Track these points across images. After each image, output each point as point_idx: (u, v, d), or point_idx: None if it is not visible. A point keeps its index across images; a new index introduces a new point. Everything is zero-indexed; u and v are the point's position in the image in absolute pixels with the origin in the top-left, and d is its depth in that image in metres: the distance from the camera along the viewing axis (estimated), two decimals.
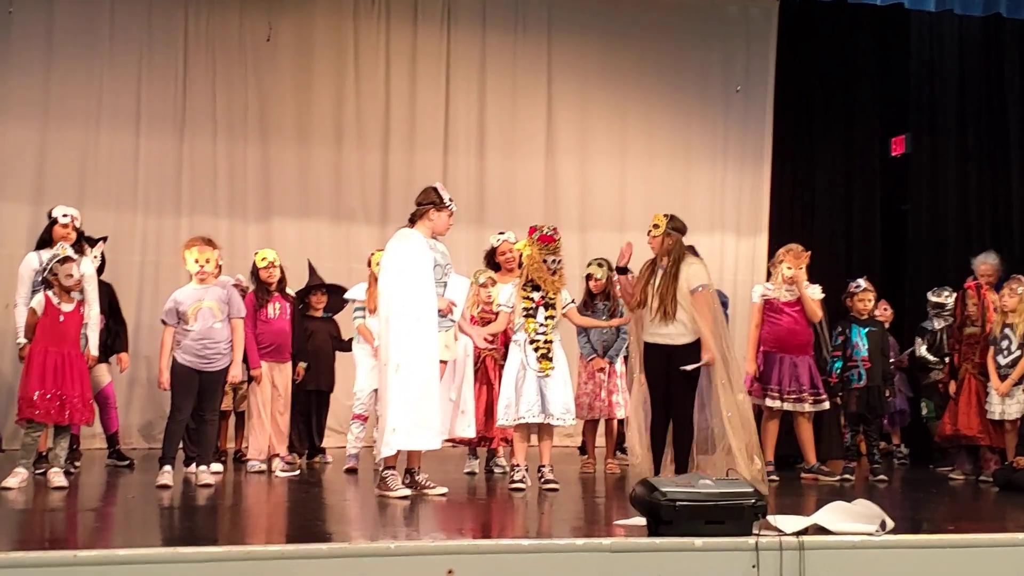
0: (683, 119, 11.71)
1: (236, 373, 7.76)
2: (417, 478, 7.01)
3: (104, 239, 8.75)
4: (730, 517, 5.27)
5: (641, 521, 5.49)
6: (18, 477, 7.14)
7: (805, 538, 5.25)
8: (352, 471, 8.31)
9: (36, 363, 7.21)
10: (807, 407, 8.30)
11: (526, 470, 7.33)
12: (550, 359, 7.37)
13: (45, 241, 7.97)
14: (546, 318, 7.40)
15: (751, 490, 5.39)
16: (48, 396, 7.17)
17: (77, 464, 8.29)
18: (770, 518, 5.43)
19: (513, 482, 7.26)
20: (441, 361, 6.95)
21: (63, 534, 5.96)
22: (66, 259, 7.34)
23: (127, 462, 8.60)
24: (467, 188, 11.33)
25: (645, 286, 7.34)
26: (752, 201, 11.79)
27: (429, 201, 7.01)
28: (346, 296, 8.82)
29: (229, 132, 10.84)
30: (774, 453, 8.34)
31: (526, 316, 7.41)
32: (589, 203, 11.53)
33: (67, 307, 7.34)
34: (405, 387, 6.72)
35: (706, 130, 11.74)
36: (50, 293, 7.33)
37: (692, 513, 5.21)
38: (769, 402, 8.27)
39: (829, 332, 8.80)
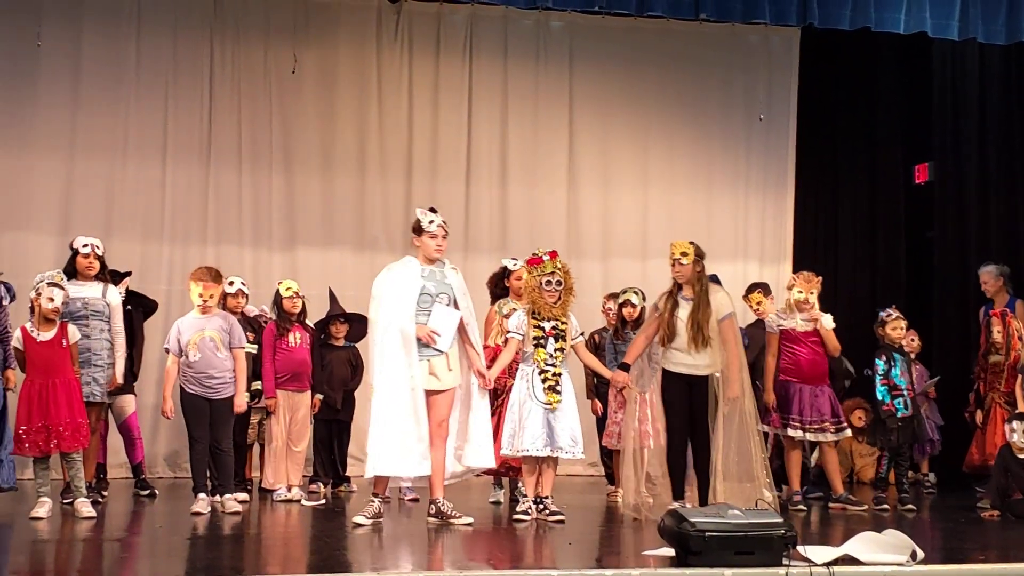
0: (705, 147, 11.71)
1: (240, 403, 7.82)
2: (442, 508, 6.99)
3: (129, 274, 8.81)
4: (760, 547, 5.26)
5: (670, 552, 5.47)
6: (44, 507, 7.18)
7: (836, 568, 5.23)
8: (414, 500, 8.27)
9: (23, 396, 7.32)
10: (829, 436, 8.27)
11: (534, 502, 7.28)
12: (558, 392, 7.28)
13: (70, 272, 8.02)
14: (556, 350, 7.33)
15: (781, 520, 5.37)
16: (34, 429, 7.24)
17: (104, 494, 8.31)
18: (800, 548, 5.40)
19: (515, 513, 7.25)
20: (434, 391, 6.90)
21: (92, 564, 5.97)
22: (53, 284, 7.41)
23: (148, 491, 8.61)
24: (489, 217, 11.37)
25: (671, 318, 7.34)
26: (775, 229, 11.77)
27: (412, 228, 7.13)
28: None
29: (254, 162, 10.91)
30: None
31: (536, 346, 7.34)
32: (611, 231, 11.53)
33: (45, 335, 7.39)
34: (378, 414, 6.82)
35: (728, 158, 11.73)
36: (27, 325, 7.41)
37: (722, 543, 5.20)
38: (791, 432, 8.22)
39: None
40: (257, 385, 8.57)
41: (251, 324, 8.79)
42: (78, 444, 7.37)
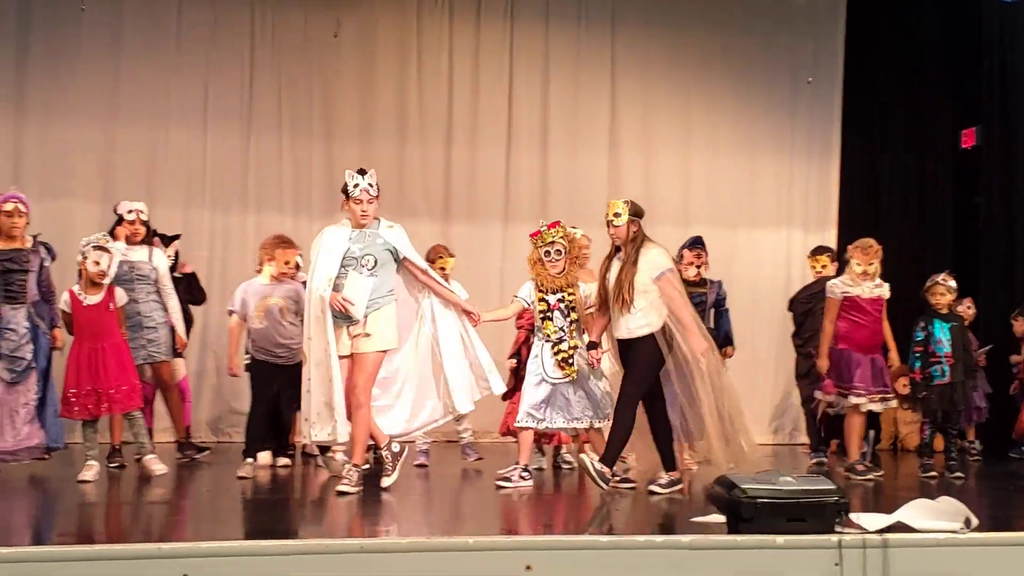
0: (749, 111, 11.57)
1: None
2: (350, 474, 6.81)
3: (177, 237, 8.85)
4: (812, 514, 5.18)
5: (720, 519, 5.42)
6: (92, 470, 7.24)
7: (889, 535, 5.15)
8: (422, 466, 8.30)
9: (72, 360, 7.41)
10: (891, 403, 8.21)
11: (525, 469, 7.16)
12: (571, 364, 7.16)
13: (114, 237, 8.10)
14: (571, 322, 7.20)
15: (834, 487, 5.30)
16: (83, 392, 7.32)
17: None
18: (852, 516, 5.33)
19: (501, 479, 7.14)
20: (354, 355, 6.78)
21: (141, 526, 6.00)
22: (99, 247, 7.43)
23: (202, 451, 8.63)
24: (529, 183, 11.31)
25: (603, 280, 7.00)
26: (820, 195, 11.63)
27: (342, 191, 6.96)
28: None
29: (294, 129, 10.90)
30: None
31: (543, 319, 7.23)
32: (653, 198, 11.33)
33: (93, 299, 7.46)
34: (305, 382, 6.82)
35: (772, 122, 11.59)
36: (75, 288, 7.47)
37: (773, 510, 5.12)
38: (855, 400, 8.11)
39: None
40: None
41: None
42: (133, 404, 7.46)
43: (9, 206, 7.54)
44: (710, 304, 8.56)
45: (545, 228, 7.27)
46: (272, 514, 6.36)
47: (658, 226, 11.14)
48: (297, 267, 8.07)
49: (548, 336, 7.20)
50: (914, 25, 11.58)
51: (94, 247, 7.45)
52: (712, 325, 8.50)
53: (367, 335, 6.74)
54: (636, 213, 6.99)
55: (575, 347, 7.19)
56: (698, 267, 8.60)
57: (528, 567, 4.85)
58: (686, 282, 8.20)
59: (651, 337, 6.78)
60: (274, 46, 10.83)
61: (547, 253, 7.21)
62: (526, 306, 7.40)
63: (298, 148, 10.92)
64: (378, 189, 6.87)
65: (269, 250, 7.94)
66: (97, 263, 7.41)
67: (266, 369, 7.70)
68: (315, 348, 6.75)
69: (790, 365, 9.88)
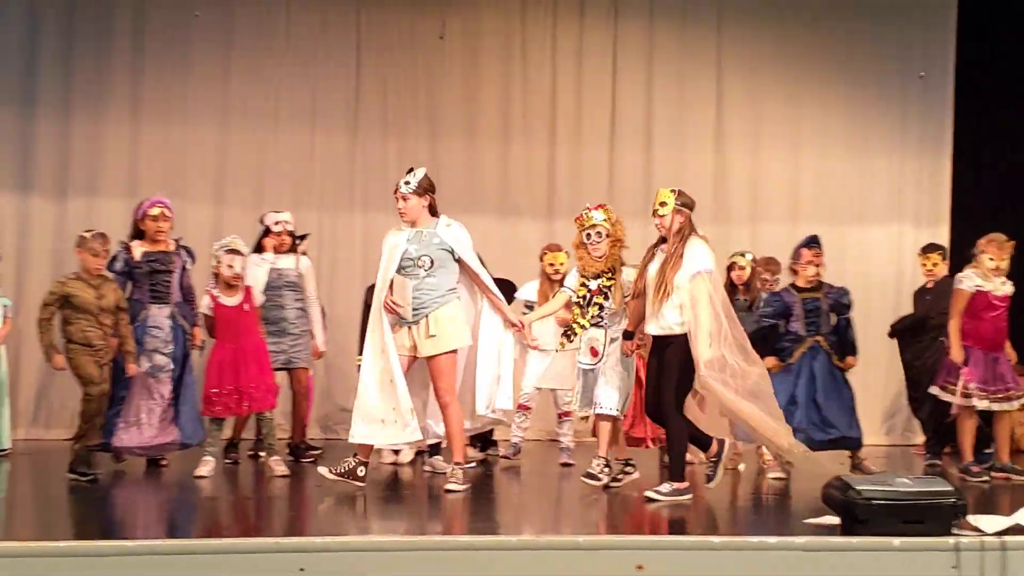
0: (859, 106, 11.34)
1: None
2: (450, 473, 6.83)
3: (307, 236, 9.08)
4: (929, 516, 5.12)
5: (834, 520, 5.35)
6: (208, 466, 7.41)
7: (1007, 538, 5.05)
8: (566, 465, 8.28)
9: (213, 360, 7.58)
10: (1014, 404, 7.99)
11: (606, 463, 7.05)
12: (595, 351, 7.06)
13: (261, 247, 8.41)
14: (601, 308, 7.07)
15: (951, 489, 5.21)
16: (225, 392, 7.48)
17: (261, 454, 8.50)
18: (969, 518, 5.23)
19: (587, 474, 7.02)
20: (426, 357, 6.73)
21: (253, 521, 6.12)
22: (232, 250, 7.59)
23: (317, 451, 8.74)
24: (633, 182, 11.24)
25: (643, 271, 6.70)
26: (932, 191, 11.36)
27: None
28: (517, 296, 8.83)
29: (400, 129, 11.00)
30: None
31: (582, 305, 7.11)
32: (760, 195, 11.30)
33: (231, 301, 7.63)
34: (360, 382, 6.82)
35: (883, 118, 11.35)
36: (215, 291, 7.64)
37: (889, 512, 5.07)
38: (976, 401, 7.91)
39: None
40: None
41: None
42: (268, 404, 7.63)
43: (155, 210, 7.81)
44: (825, 310, 8.17)
45: (587, 211, 7.16)
46: (384, 510, 6.43)
47: (765, 224, 11.16)
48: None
49: (583, 324, 7.10)
50: None
51: (226, 251, 7.64)
52: (825, 330, 8.13)
53: (431, 336, 6.72)
54: (685, 204, 6.65)
55: (578, 334, 7.08)
56: (817, 266, 8.26)
57: (639, 567, 4.85)
58: (800, 288, 8.13)
59: (685, 337, 6.44)
60: (380, 47, 10.94)
61: (588, 236, 7.07)
62: (571, 295, 7.24)
63: (404, 148, 11.00)
64: (420, 187, 6.86)
65: None
66: (231, 266, 7.60)
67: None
68: (368, 349, 6.81)
69: (900, 364, 9.70)
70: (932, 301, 8.95)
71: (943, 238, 10.82)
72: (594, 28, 11.21)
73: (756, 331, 7.80)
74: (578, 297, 7.14)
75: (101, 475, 7.29)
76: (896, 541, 5.00)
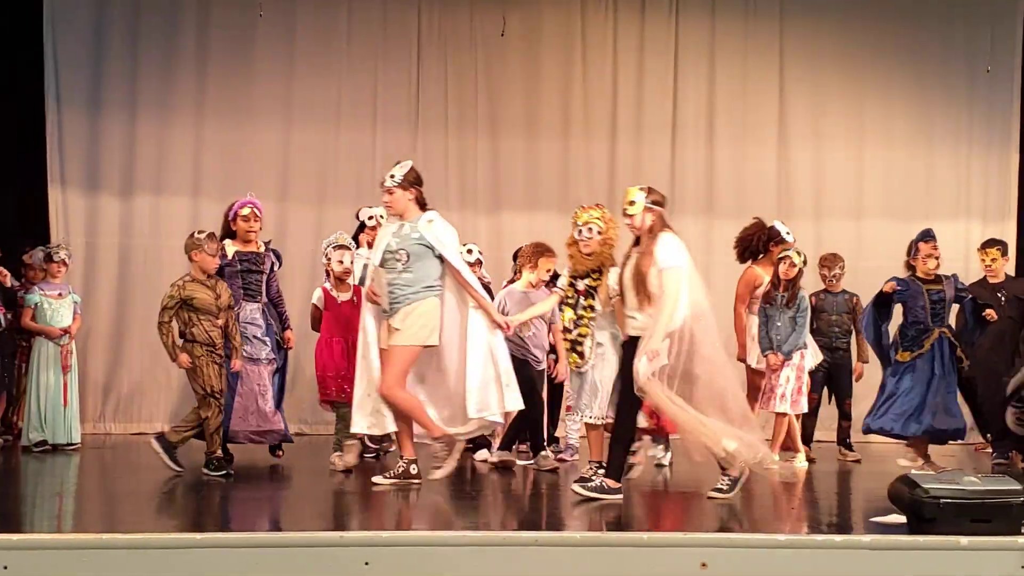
0: (924, 102, 11.22)
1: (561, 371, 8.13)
2: (397, 469, 6.90)
3: None
4: (997, 515, 5.05)
5: (900, 519, 5.30)
6: (353, 452, 7.64)
7: None
8: (562, 461, 8.24)
9: (321, 350, 7.78)
10: None
11: (599, 465, 6.80)
12: (580, 353, 6.94)
13: (357, 243, 8.51)
14: (585, 307, 6.97)
15: (1021, 488, 5.13)
16: (340, 375, 7.63)
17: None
18: None
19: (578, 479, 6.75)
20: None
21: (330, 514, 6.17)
22: (340, 246, 7.72)
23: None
24: (695, 178, 11.21)
25: (621, 271, 6.58)
26: (999, 186, 11.19)
27: None
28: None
29: (460, 126, 11.04)
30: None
31: (567, 305, 7.03)
32: (824, 191, 11.19)
33: (343, 295, 7.82)
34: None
35: (949, 113, 11.20)
36: (327, 285, 7.83)
37: (957, 511, 5.02)
38: None
39: None
40: None
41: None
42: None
43: (246, 210, 7.98)
44: (949, 300, 8.18)
45: (581, 209, 7.11)
46: (448, 506, 6.47)
47: (829, 219, 11.06)
48: (556, 275, 8.08)
49: (566, 322, 7.02)
50: None
51: (335, 247, 7.81)
52: (951, 322, 8.13)
53: (395, 330, 6.75)
54: (656, 202, 6.47)
55: (583, 335, 6.95)
56: (936, 259, 8.21)
57: (703, 564, 4.84)
58: (922, 279, 8.09)
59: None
60: (441, 45, 11.00)
61: (580, 232, 7.00)
62: (562, 295, 7.15)
63: (464, 145, 11.07)
64: (406, 181, 6.88)
65: (532, 258, 8.08)
66: (340, 262, 7.78)
67: (526, 370, 7.84)
68: (360, 340, 6.99)
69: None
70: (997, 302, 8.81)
71: (1010, 234, 10.68)
72: (655, 23, 11.17)
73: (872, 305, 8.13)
74: (568, 297, 7.05)
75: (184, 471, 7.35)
76: (963, 540, 4.93)
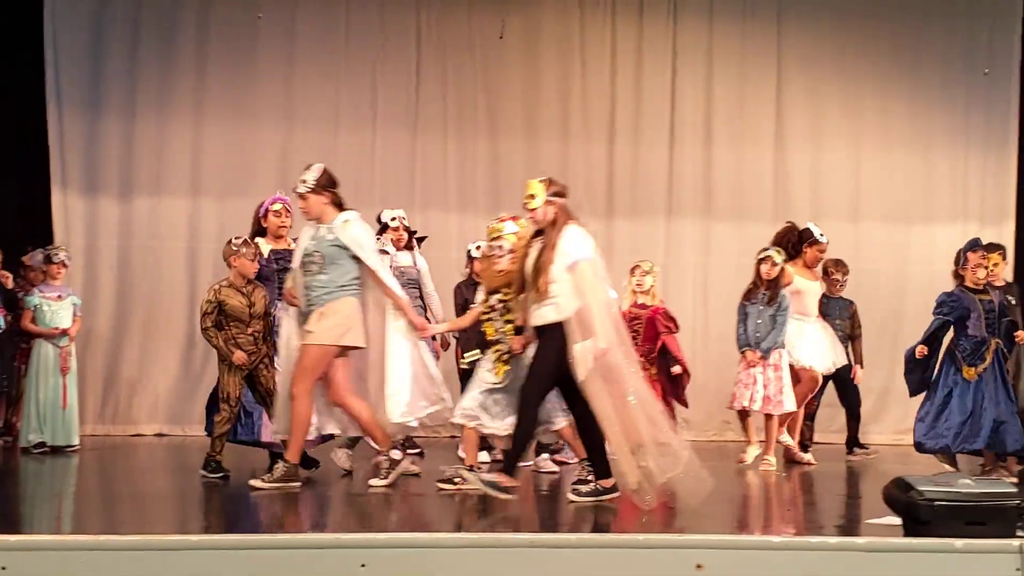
0: (922, 103, 11.23)
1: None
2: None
3: (425, 238, 9.23)
4: (992, 518, 5.05)
5: (895, 521, 5.32)
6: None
7: None
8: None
9: None
10: None
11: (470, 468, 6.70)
12: (508, 365, 6.77)
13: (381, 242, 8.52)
14: (505, 322, 6.82)
15: (1015, 490, 5.15)
16: None
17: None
18: None
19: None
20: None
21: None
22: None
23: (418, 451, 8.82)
24: (693, 180, 11.23)
25: (522, 264, 6.43)
26: (997, 188, 11.19)
27: None
28: None
29: (459, 128, 11.07)
30: None
31: (484, 321, 6.89)
32: (821, 193, 11.20)
33: None
34: None
35: (947, 114, 11.21)
36: None
37: (952, 513, 5.02)
38: None
39: None
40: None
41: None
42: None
43: (277, 206, 7.94)
44: (998, 311, 8.07)
45: (495, 222, 7.01)
46: (441, 506, 6.48)
47: (826, 221, 10.97)
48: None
49: (488, 340, 6.87)
50: None
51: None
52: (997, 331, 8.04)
53: (308, 331, 6.77)
54: (557, 194, 6.39)
55: (509, 351, 6.76)
56: (986, 268, 8.11)
57: (699, 566, 4.85)
58: (973, 289, 8.06)
59: (559, 326, 6.22)
60: (440, 46, 11.02)
61: (491, 248, 6.94)
62: (478, 308, 7.03)
63: (464, 147, 11.10)
64: (318, 185, 6.88)
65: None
66: None
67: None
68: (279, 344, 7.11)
69: None
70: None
71: (1008, 236, 10.70)
72: (653, 26, 11.19)
73: (932, 331, 7.98)
74: (485, 312, 6.92)
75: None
76: (958, 543, 4.94)
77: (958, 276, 8.21)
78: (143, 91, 10.64)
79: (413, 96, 11.01)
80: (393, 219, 8.63)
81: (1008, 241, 10.64)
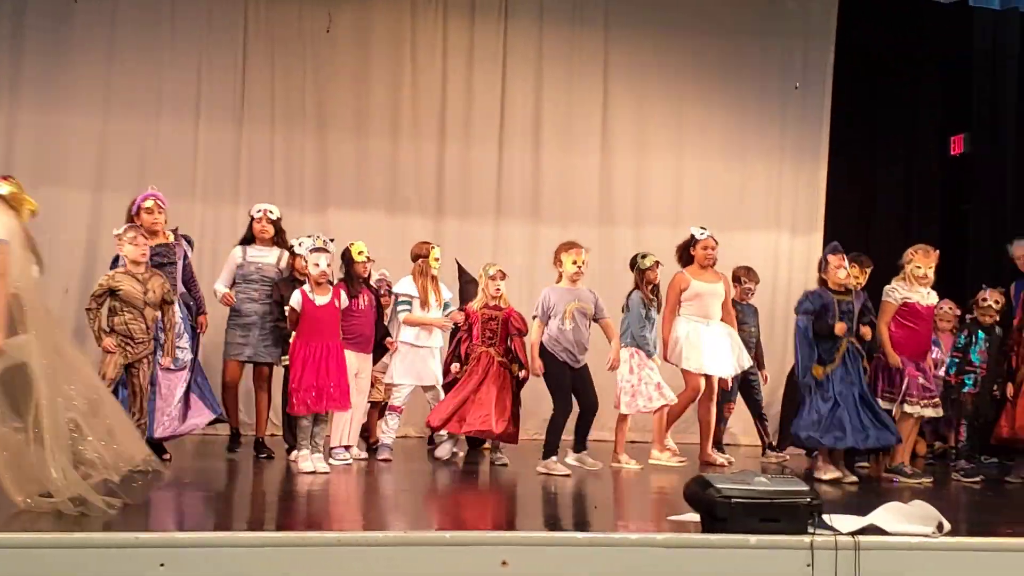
0: (740, 114, 11.57)
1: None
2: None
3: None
4: (785, 515, 5.25)
5: (694, 517, 5.48)
6: (307, 460, 7.47)
7: (861, 538, 5.22)
8: (387, 461, 8.26)
9: (297, 357, 7.53)
10: (940, 411, 8.37)
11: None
12: None
13: (248, 239, 8.54)
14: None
15: (807, 488, 5.36)
16: (304, 387, 7.45)
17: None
18: (825, 517, 5.39)
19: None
20: None
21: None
22: (318, 249, 7.57)
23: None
24: (522, 182, 11.34)
25: None
26: (808, 199, 11.63)
27: None
28: (394, 289, 8.88)
29: (287, 122, 10.90)
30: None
31: None
32: (644, 198, 11.45)
33: (322, 299, 7.58)
34: None
35: (763, 126, 11.59)
36: (305, 288, 7.61)
37: (747, 510, 5.19)
38: (908, 409, 8.21)
39: None
40: None
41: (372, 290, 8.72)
42: (344, 406, 7.62)
43: (149, 203, 7.84)
44: (856, 312, 8.27)
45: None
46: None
47: (648, 226, 11.31)
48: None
49: None
50: (905, 30, 11.60)
51: (311, 250, 7.59)
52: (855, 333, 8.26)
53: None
54: None
55: None
56: (847, 270, 8.31)
57: (504, 563, 4.91)
58: (835, 291, 8.22)
59: None
60: (268, 39, 10.83)
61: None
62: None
63: (291, 141, 10.93)
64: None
65: (556, 255, 8.19)
66: (317, 264, 7.55)
67: (568, 371, 7.83)
68: None
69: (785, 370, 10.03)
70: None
71: (816, 246, 11.10)
72: (484, 27, 11.24)
73: (812, 329, 8.12)
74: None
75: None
76: (752, 539, 5.13)
77: (822, 281, 8.44)
78: None
79: (239, 86, 10.78)
80: (258, 211, 8.63)
81: (816, 250, 11.06)
